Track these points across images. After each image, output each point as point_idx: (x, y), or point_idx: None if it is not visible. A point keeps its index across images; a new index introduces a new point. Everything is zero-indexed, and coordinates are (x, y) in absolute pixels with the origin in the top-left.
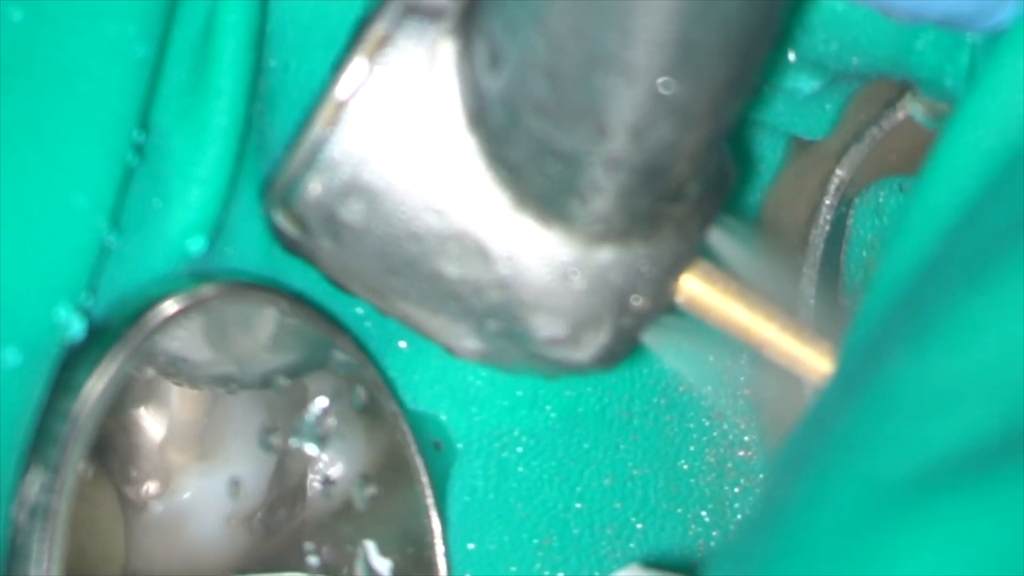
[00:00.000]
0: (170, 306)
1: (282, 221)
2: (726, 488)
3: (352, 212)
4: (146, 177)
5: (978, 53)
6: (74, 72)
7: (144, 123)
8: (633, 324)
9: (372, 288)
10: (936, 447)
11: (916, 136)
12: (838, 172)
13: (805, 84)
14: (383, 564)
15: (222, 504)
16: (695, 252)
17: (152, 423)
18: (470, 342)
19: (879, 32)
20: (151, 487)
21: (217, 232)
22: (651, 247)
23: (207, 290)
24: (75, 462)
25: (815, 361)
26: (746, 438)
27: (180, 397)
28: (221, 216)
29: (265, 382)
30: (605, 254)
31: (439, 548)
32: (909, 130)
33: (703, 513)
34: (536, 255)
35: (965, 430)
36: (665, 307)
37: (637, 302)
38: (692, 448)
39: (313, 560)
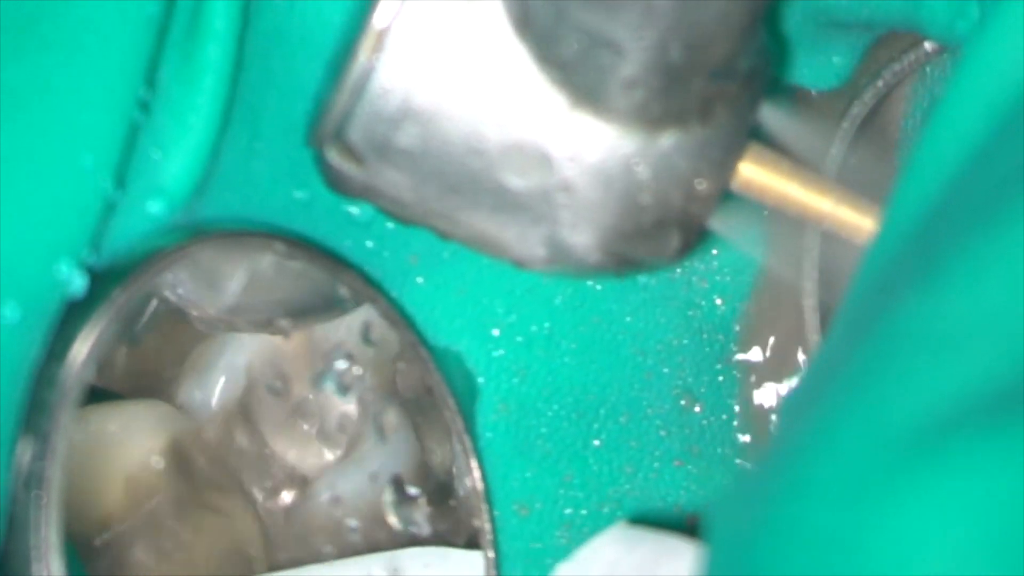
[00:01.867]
0: (157, 263)
1: (335, 158)
2: (744, 429)
3: (408, 136)
4: (147, 130)
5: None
6: (83, 31)
7: (151, 80)
8: (700, 209)
9: (435, 212)
10: (945, 390)
11: None
12: (844, 125)
13: (814, 35)
14: (415, 491)
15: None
16: (748, 131)
17: (276, 435)
18: (541, 250)
19: None
20: (287, 496)
21: (210, 177)
22: (709, 128)
23: (197, 244)
24: (65, 428)
25: (873, 228)
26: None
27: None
28: (213, 160)
29: (267, 323)
30: (666, 140)
31: (476, 474)
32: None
33: (718, 451)
34: (598, 151)
35: (974, 372)
36: (726, 187)
37: (701, 186)
38: (704, 390)
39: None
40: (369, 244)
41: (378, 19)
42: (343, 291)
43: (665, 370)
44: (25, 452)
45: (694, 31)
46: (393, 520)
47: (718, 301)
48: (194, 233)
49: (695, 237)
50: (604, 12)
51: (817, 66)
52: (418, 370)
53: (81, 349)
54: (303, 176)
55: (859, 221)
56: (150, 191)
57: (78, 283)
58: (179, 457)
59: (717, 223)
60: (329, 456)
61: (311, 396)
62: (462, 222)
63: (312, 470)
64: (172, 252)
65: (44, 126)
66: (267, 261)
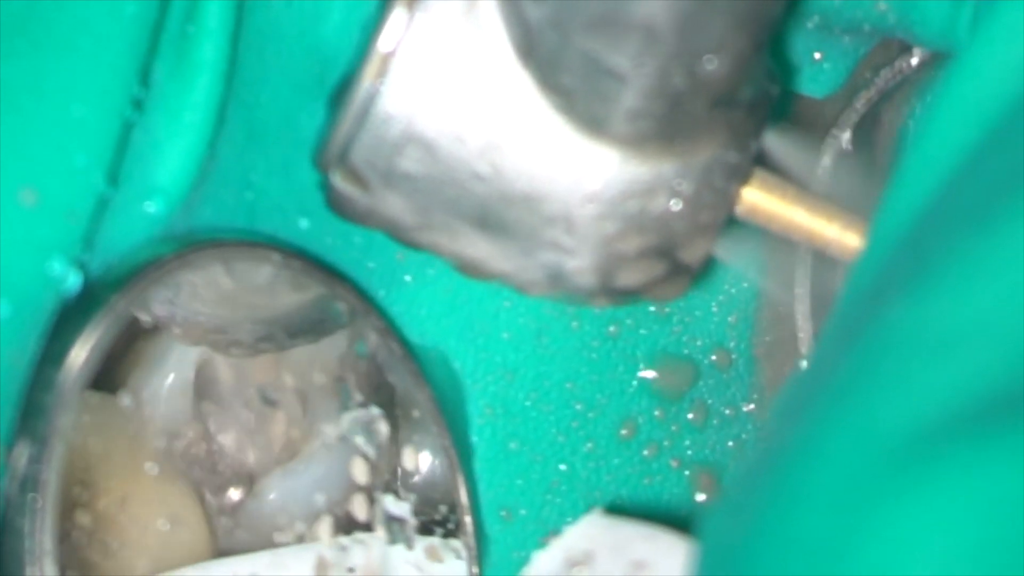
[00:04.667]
0: (156, 270)
1: (340, 181)
2: (733, 434)
3: (411, 161)
4: (142, 129)
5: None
6: (75, 31)
7: (145, 78)
8: (703, 236)
9: (437, 237)
10: (935, 397)
11: None
12: (834, 132)
13: (809, 41)
14: (402, 507)
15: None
16: (753, 158)
17: (225, 431)
18: (543, 276)
19: None
20: (235, 493)
21: (206, 175)
22: (711, 155)
23: (193, 251)
24: (62, 432)
25: None
26: (753, 393)
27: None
28: (209, 159)
29: (265, 339)
30: (668, 167)
31: (462, 490)
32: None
33: (709, 456)
34: (600, 177)
35: (964, 379)
36: (730, 216)
37: (704, 211)
38: (695, 395)
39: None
40: (357, 240)
41: (383, 43)
42: (339, 305)
43: (655, 375)
44: (22, 455)
45: (695, 59)
46: (381, 534)
47: (713, 308)
48: (192, 242)
49: (699, 264)
50: (606, 39)
51: (810, 73)
52: (402, 380)
53: (79, 354)
54: (295, 174)
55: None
56: (146, 190)
57: (72, 281)
58: (127, 453)
59: (721, 250)
60: (278, 455)
61: (262, 394)
62: (464, 247)
63: (260, 468)
64: (170, 260)
65: (34, 124)
66: (262, 276)
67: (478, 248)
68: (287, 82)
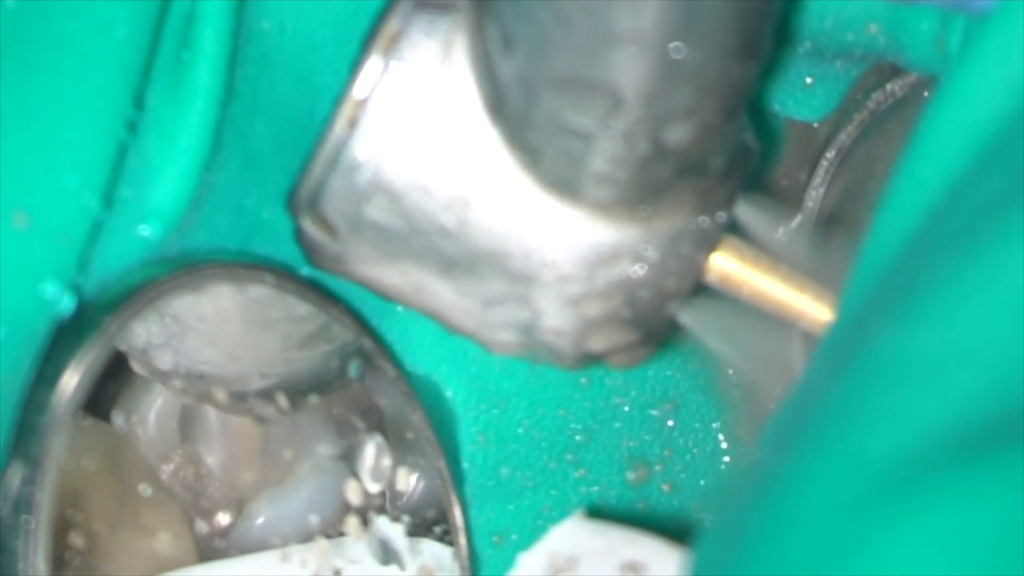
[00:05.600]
0: (149, 293)
1: (310, 227)
2: (726, 461)
3: (379, 210)
4: (137, 152)
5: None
6: (65, 52)
7: (139, 101)
8: (668, 302)
9: (402, 290)
10: (925, 421)
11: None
12: (827, 155)
13: (800, 66)
14: (395, 529)
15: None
16: (723, 227)
17: (214, 453)
18: (508, 336)
19: (873, 9)
20: (223, 517)
21: (200, 200)
22: (679, 222)
23: (187, 272)
24: (56, 454)
25: None
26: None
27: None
28: (203, 183)
29: (269, 392)
30: (634, 232)
31: (456, 511)
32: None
33: (701, 483)
34: (565, 238)
35: (953, 403)
36: (697, 283)
37: (670, 279)
38: (689, 422)
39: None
40: None
41: (357, 89)
42: (351, 363)
43: (649, 402)
44: (15, 477)
45: (661, 125)
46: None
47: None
48: (186, 263)
49: (662, 332)
50: (572, 100)
51: (802, 97)
52: (395, 402)
53: (73, 376)
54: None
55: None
56: (140, 213)
57: (66, 303)
58: (118, 475)
59: (687, 317)
60: (269, 477)
61: (251, 418)
62: (431, 300)
63: (250, 491)
64: (164, 281)
65: (24, 146)
66: (259, 293)
67: (444, 302)
68: (280, 110)
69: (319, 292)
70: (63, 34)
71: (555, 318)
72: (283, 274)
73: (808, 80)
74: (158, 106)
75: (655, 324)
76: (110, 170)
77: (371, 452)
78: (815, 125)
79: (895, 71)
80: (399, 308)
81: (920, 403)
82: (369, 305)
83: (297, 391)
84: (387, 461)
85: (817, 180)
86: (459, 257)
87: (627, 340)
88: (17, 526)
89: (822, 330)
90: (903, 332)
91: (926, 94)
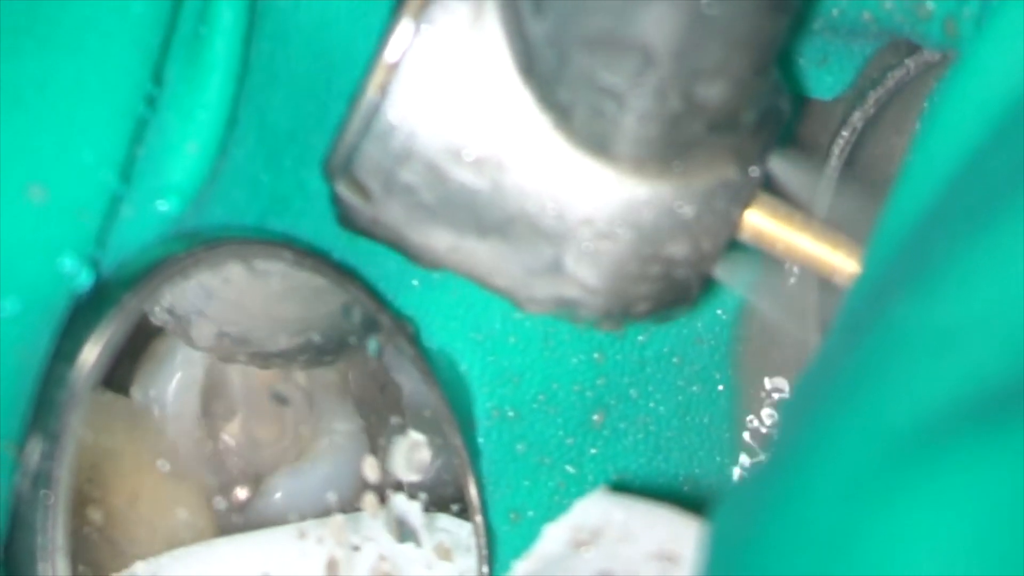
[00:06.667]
0: (168, 268)
1: (344, 191)
2: (740, 438)
3: (412, 173)
4: (155, 128)
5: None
6: (83, 29)
7: (157, 76)
8: (704, 259)
9: (438, 251)
10: (942, 391)
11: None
12: (843, 134)
13: (815, 42)
14: (412, 507)
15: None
16: (758, 182)
17: (232, 429)
18: (543, 294)
19: None
20: (240, 492)
21: (217, 175)
22: (713, 178)
23: (206, 249)
24: (74, 429)
25: None
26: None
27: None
28: (220, 158)
29: (316, 355)
30: (667, 189)
31: (473, 489)
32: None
33: (717, 459)
34: (599, 196)
35: (970, 373)
36: (732, 239)
37: (706, 235)
38: (704, 399)
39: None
40: (365, 244)
41: (389, 53)
42: (353, 315)
43: (664, 378)
44: (34, 451)
45: (693, 81)
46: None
47: (719, 311)
48: (204, 240)
49: (698, 288)
50: (603, 58)
51: (818, 74)
52: (413, 380)
53: (92, 351)
54: (306, 175)
55: None
56: (158, 188)
57: (84, 278)
58: (137, 451)
59: (722, 272)
60: (287, 453)
61: (272, 391)
62: (464, 262)
63: (268, 467)
64: (183, 257)
65: (41, 121)
66: (276, 271)
67: (478, 262)
68: (296, 85)
69: (336, 268)
70: (81, 11)
71: (590, 276)
72: (301, 251)
73: (823, 57)
74: (176, 82)
75: (691, 280)
76: (128, 145)
77: (405, 446)
78: (830, 103)
79: (911, 50)
80: (415, 283)
81: (937, 372)
82: (384, 281)
83: (319, 354)
84: (425, 454)
85: (832, 159)
86: (493, 218)
87: (663, 298)
88: (36, 500)
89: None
90: (920, 304)
91: (942, 72)
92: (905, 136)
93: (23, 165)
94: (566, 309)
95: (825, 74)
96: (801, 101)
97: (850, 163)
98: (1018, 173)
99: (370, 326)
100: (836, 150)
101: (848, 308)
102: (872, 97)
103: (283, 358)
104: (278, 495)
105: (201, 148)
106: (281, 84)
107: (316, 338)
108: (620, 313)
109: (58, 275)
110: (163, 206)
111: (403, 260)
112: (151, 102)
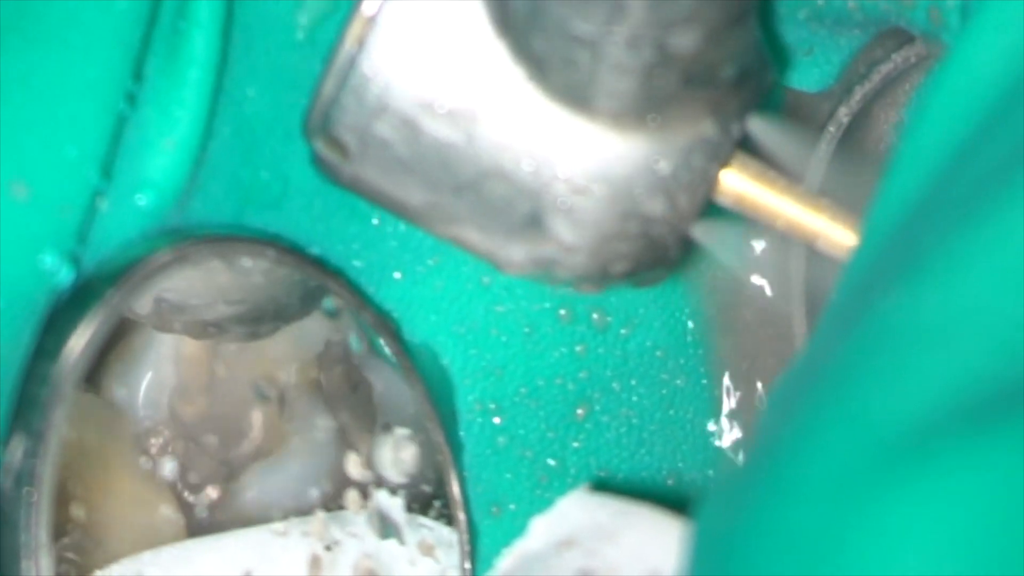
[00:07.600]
0: (151, 265)
1: (322, 148)
2: (720, 433)
3: (388, 127)
4: (134, 124)
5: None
6: (67, 26)
7: (138, 72)
8: (681, 218)
9: (415, 207)
10: (931, 387)
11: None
12: (829, 127)
13: (800, 33)
14: (394, 503)
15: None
16: (736, 140)
17: (207, 425)
18: (521, 254)
19: None
20: (212, 491)
21: (197, 170)
22: (692, 134)
23: (189, 246)
24: (58, 426)
25: None
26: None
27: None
28: (200, 154)
29: (253, 325)
30: (645, 144)
31: (455, 485)
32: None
33: (700, 456)
34: (575, 150)
35: (958, 369)
36: (710, 198)
37: (683, 192)
38: (687, 394)
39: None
40: (346, 236)
41: (366, 6)
42: (333, 300)
43: (647, 372)
44: (17, 449)
45: (665, 30)
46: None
47: (703, 303)
48: (187, 236)
49: (676, 248)
50: (575, 7)
51: (805, 67)
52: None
53: (74, 348)
54: (284, 168)
55: (851, 241)
56: (138, 184)
57: (65, 274)
58: (114, 449)
59: (700, 233)
60: (257, 453)
61: (241, 391)
62: (441, 219)
63: (241, 464)
64: (165, 254)
65: (25, 118)
66: (259, 267)
67: (456, 219)
68: (273, 76)
69: (318, 265)
70: (66, 7)
71: (567, 233)
72: (283, 248)
73: (809, 48)
74: (154, 77)
75: (669, 240)
76: (109, 142)
77: (390, 443)
78: (816, 97)
79: (897, 45)
80: (397, 276)
81: (925, 369)
82: (366, 275)
83: (255, 323)
84: (411, 451)
85: (820, 152)
86: (468, 173)
87: (641, 257)
88: (19, 498)
89: (838, 251)
90: (908, 298)
91: (929, 67)
92: (892, 130)
93: (6, 162)
94: (544, 270)
95: (812, 66)
96: (786, 92)
97: (836, 157)
98: (1006, 164)
99: (310, 298)
100: (823, 144)
101: (836, 301)
102: (859, 92)
103: (218, 328)
104: (251, 493)
105: (179, 143)
106: (258, 75)
107: (253, 309)
108: (598, 273)
109: (39, 272)
110: (143, 201)
111: (385, 253)
112: (131, 98)
